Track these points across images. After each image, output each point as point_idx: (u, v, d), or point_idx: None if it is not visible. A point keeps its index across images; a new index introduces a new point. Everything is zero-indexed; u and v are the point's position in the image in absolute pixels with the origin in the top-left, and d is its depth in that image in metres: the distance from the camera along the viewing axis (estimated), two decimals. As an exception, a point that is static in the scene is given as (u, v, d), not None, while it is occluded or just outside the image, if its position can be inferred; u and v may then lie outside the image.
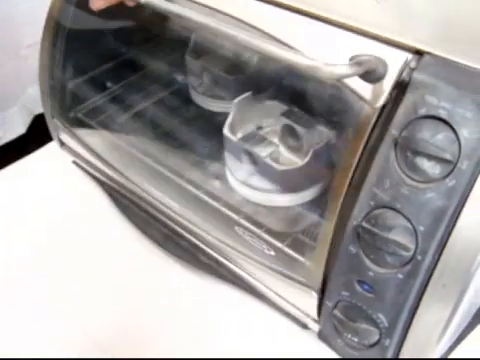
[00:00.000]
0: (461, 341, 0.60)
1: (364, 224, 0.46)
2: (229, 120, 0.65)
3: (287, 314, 0.63)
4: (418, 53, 0.46)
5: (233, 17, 0.55)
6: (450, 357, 0.56)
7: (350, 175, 0.48)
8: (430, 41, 0.46)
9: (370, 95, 0.46)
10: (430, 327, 0.46)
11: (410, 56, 0.45)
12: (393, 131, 0.44)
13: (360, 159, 0.47)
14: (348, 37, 0.49)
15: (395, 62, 0.45)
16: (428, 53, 0.45)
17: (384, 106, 0.46)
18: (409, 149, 0.43)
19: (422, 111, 0.43)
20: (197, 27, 0.69)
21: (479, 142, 0.41)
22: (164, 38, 0.83)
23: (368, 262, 0.47)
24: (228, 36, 0.49)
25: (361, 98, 0.47)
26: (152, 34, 0.85)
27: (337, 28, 0.50)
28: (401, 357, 0.50)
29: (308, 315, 0.59)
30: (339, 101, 0.51)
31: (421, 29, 0.49)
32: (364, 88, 0.46)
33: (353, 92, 0.47)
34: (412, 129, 0.43)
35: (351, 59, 0.45)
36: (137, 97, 0.87)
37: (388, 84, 0.45)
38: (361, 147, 0.47)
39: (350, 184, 0.48)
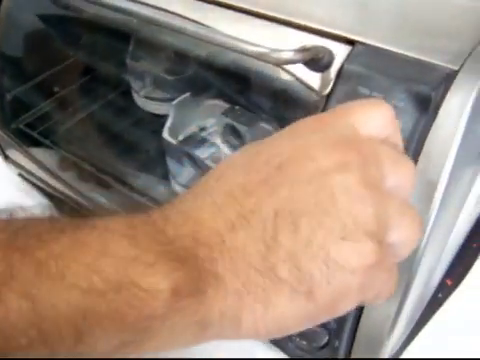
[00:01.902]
0: (417, 333, 0.59)
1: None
2: (168, 123, 0.63)
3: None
4: (350, 43, 0.43)
5: (178, 14, 0.53)
6: (403, 357, 0.55)
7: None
8: (362, 30, 0.44)
9: (317, 84, 0.45)
10: (378, 324, 0.45)
11: (341, 46, 0.43)
12: (327, 125, 0.42)
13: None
14: (283, 30, 0.47)
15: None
16: (359, 42, 0.43)
17: (329, 95, 0.44)
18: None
19: (355, 103, 0.41)
20: (139, 26, 0.66)
21: (413, 133, 0.39)
22: (106, 41, 0.80)
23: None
24: (175, 28, 0.47)
25: (308, 87, 0.45)
26: (94, 39, 0.83)
27: (271, 22, 0.48)
28: (352, 357, 0.48)
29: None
30: (283, 93, 0.49)
31: (352, 18, 0.47)
32: (311, 77, 0.46)
33: (300, 82, 0.46)
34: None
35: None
36: (81, 104, 0.84)
37: (334, 73, 0.44)
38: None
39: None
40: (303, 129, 0.33)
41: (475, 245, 0.67)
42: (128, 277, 0.26)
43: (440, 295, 0.61)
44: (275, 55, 0.42)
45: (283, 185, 0.28)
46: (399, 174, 0.32)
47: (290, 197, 0.28)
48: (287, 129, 0.33)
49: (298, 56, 0.42)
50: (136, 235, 0.27)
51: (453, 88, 0.40)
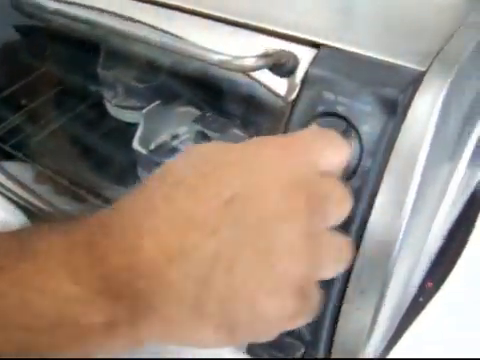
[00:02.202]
0: (398, 340, 0.58)
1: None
2: (139, 132, 0.61)
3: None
4: (316, 46, 0.42)
5: (143, 23, 0.52)
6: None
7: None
8: (327, 33, 0.43)
9: (283, 90, 0.44)
10: (354, 334, 0.44)
11: (308, 50, 0.42)
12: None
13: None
14: (250, 36, 0.46)
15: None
16: (325, 46, 0.42)
17: (295, 100, 0.42)
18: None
19: (320, 108, 0.40)
20: (108, 35, 0.65)
21: (381, 137, 0.38)
22: (76, 51, 0.79)
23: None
24: (139, 38, 0.46)
25: (274, 94, 0.44)
26: (64, 49, 0.81)
27: (238, 28, 0.47)
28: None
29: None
30: (252, 100, 0.48)
31: (319, 21, 0.46)
32: (277, 83, 0.44)
33: (266, 88, 0.45)
34: (311, 128, 0.40)
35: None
36: (54, 116, 0.82)
37: (299, 78, 0.42)
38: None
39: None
40: (264, 158, 0.32)
41: (455, 246, 0.66)
42: (69, 317, 0.27)
43: (421, 299, 0.60)
44: (237, 62, 0.41)
45: (228, 225, 0.29)
46: (341, 213, 0.34)
47: (231, 239, 0.29)
48: (249, 152, 0.33)
49: (261, 62, 0.40)
50: (77, 267, 0.28)
51: (421, 90, 0.38)
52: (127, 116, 0.74)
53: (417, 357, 0.57)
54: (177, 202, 0.29)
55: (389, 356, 0.58)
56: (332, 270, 0.34)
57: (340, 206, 0.34)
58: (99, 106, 0.79)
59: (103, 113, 0.78)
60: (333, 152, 0.34)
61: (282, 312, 0.30)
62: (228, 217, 0.29)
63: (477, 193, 0.72)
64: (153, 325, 0.29)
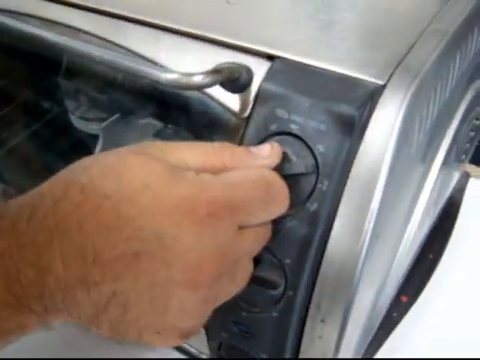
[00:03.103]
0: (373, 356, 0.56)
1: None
2: (99, 147, 0.58)
3: (182, 350, 0.57)
4: (270, 58, 0.40)
5: (94, 35, 0.49)
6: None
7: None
8: (282, 44, 0.40)
9: (237, 105, 0.41)
10: (319, 356, 0.41)
11: (262, 62, 0.39)
12: (245, 152, 0.38)
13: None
14: (202, 48, 0.43)
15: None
16: (279, 58, 0.39)
17: (249, 117, 0.40)
18: (262, 173, 0.37)
19: (273, 127, 0.37)
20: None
21: (337, 157, 0.35)
22: (35, 63, 0.76)
23: (241, 302, 0.41)
24: (82, 54, 0.43)
25: (228, 110, 0.42)
26: (20, 60, 0.78)
27: (190, 39, 0.45)
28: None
29: (202, 352, 0.53)
30: (208, 116, 0.45)
31: (274, 31, 0.43)
32: (231, 99, 0.42)
33: (220, 104, 0.41)
34: (264, 149, 0.37)
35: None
36: (13, 130, 0.79)
37: (253, 93, 0.40)
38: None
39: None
40: (186, 223, 0.30)
41: (431, 256, 0.64)
42: None
43: (395, 314, 0.57)
44: (185, 80, 0.38)
45: (129, 277, 0.29)
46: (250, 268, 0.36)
47: (131, 289, 0.30)
48: (172, 205, 0.31)
49: (210, 79, 0.38)
50: None
51: (379, 106, 0.36)
52: (91, 128, 0.71)
53: (408, 357, 0.55)
54: (89, 234, 0.29)
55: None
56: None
57: (248, 266, 0.36)
58: (63, 118, 0.76)
59: (68, 126, 0.76)
60: (268, 213, 0.35)
61: (166, 344, 0.34)
62: (132, 271, 0.29)
63: (454, 197, 0.70)
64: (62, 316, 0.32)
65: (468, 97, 0.53)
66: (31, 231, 0.30)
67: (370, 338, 0.55)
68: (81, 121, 0.71)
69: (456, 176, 0.70)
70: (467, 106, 0.52)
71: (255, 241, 0.35)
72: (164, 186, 0.31)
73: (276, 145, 0.36)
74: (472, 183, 0.79)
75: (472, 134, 0.59)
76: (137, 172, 0.31)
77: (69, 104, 0.72)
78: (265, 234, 0.36)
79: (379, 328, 0.57)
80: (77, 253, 0.29)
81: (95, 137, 0.70)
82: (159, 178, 0.31)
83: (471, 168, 0.80)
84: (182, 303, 0.30)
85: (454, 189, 0.71)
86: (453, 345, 0.58)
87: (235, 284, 0.35)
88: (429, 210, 0.52)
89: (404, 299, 0.60)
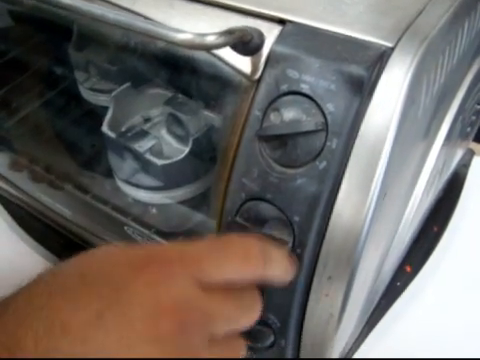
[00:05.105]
0: (375, 325, 0.56)
1: (238, 219, 0.41)
2: (109, 116, 0.59)
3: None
4: (281, 22, 0.40)
5: (106, 1, 0.49)
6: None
7: (229, 164, 0.43)
8: (293, 9, 0.41)
9: (248, 68, 0.42)
10: (323, 323, 0.42)
11: (274, 27, 0.40)
12: (256, 112, 0.39)
13: (239, 144, 0.41)
14: (215, 13, 0.44)
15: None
16: (290, 22, 0.40)
17: (260, 79, 0.41)
18: (273, 132, 0.38)
19: (284, 87, 0.38)
20: (74, 14, 0.63)
21: (346, 116, 0.36)
22: (45, 33, 0.76)
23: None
24: (96, 16, 0.43)
25: (239, 72, 0.42)
26: (32, 31, 0.78)
27: (202, 5, 0.45)
28: (301, 357, 0.45)
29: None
30: (218, 80, 0.46)
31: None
32: (242, 62, 0.42)
33: (230, 67, 0.43)
34: (275, 108, 0.38)
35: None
36: (24, 100, 0.80)
37: (265, 56, 0.40)
38: (240, 128, 0.41)
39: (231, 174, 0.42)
40: (145, 276, 0.32)
41: (436, 228, 0.64)
42: None
43: (398, 283, 0.58)
44: (198, 40, 0.38)
45: (95, 338, 0.30)
46: (235, 327, 0.34)
47: (99, 351, 0.30)
48: (134, 266, 0.33)
49: (222, 40, 0.38)
50: None
51: (388, 67, 0.37)
52: (100, 99, 0.72)
53: (403, 357, 0.56)
54: (57, 307, 0.30)
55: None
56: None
57: (232, 321, 0.34)
58: (73, 90, 0.77)
59: (77, 97, 0.76)
60: (230, 268, 0.34)
61: None
62: (98, 330, 0.30)
63: (458, 172, 0.71)
64: None
65: (475, 69, 0.53)
66: (9, 312, 0.31)
67: (373, 306, 0.55)
68: (90, 92, 0.72)
69: (460, 152, 0.71)
70: (474, 77, 0.52)
71: (224, 303, 0.34)
72: (124, 252, 0.34)
73: None
74: (476, 161, 0.79)
75: (478, 107, 0.60)
76: (101, 249, 0.34)
77: (79, 75, 0.72)
78: (240, 301, 0.35)
79: (382, 297, 0.57)
80: (46, 329, 0.30)
81: (105, 108, 0.70)
82: (121, 250, 0.34)
83: (476, 146, 0.81)
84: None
85: (458, 164, 0.72)
86: (455, 319, 0.59)
87: (217, 354, 0.34)
88: (434, 179, 0.53)
89: (408, 269, 0.61)
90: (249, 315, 0.35)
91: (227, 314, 0.34)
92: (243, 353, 0.36)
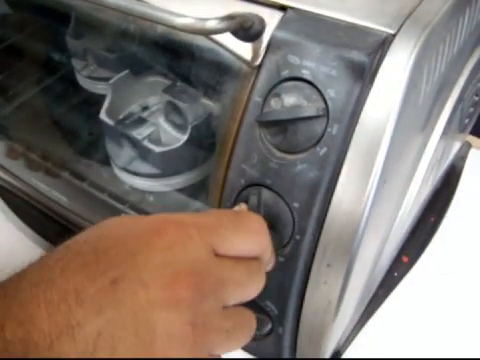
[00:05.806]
0: (371, 315, 0.56)
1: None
2: (107, 103, 0.59)
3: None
4: (282, 9, 0.40)
5: None
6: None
7: (229, 150, 0.42)
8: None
9: (248, 54, 0.42)
10: (321, 311, 0.42)
11: (274, 13, 0.40)
12: (257, 98, 0.39)
13: (239, 130, 0.41)
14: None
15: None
16: (291, 8, 0.39)
17: (261, 65, 0.40)
18: (274, 117, 0.38)
19: (285, 73, 0.38)
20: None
21: (347, 102, 0.36)
22: (43, 20, 0.76)
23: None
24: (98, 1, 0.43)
25: (240, 58, 0.42)
26: (30, 18, 0.78)
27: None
28: (299, 345, 0.45)
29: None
30: (218, 66, 0.46)
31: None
32: (243, 48, 0.42)
33: (231, 53, 0.43)
34: (276, 94, 0.38)
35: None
36: (21, 87, 0.79)
37: (265, 42, 0.40)
38: (240, 115, 0.41)
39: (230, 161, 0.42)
40: (159, 241, 0.32)
41: (433, 219, 0.65)
42: None
43: (396, 274, 0.59)
44: (199, 25, 0.38)
45: (110, 306, 0.29)
46: (243, 295, 0.34)
47: (114, 321, 0.29)
48: (148, 233, 0.32)
49: (223, 25, 0.38)
50: None
51: (389, 54, 0.36)
52: (98, 87, 0.72)
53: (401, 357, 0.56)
54: (71, 276, 0.30)
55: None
56: (226, 348, 0.33)
57: (241, 288, 0.34)
58: (70, 77, 0.76)
59: (74, 85, 0.76)
60: (236, 235, 0.34)
61: None
62: (111, 298, 0.29)
63: (456, 164, 0.71)
64: None
65: (474, 58, 0.53)
66: (17, 290, 0.30)
67: (371, 295, 0.56)
68: (88, 80, 0.71)
69: (458, 144, 0.71)
70: (473, 67, 0.52)
71: (235, 269, 0.34)
72: (137, 220, 0.34)
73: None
74: (473, 154, 0.79)
75: (476, 98, 0.60)
76: (113, 219, 0.34)
77: (76, 63, 0.72)
78: (248, 269, 0.35)
79: (379, 287, 0.58)
80: (60, 299, 0.29)
81: (102, 96, 0.70)
82: (134, 218, 0.34)
83: (473, 139, 0.81)
84: (168, 327, 0.30)
85: (456, 156, 0.72)
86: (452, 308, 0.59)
87: (227, 319, 0.33)
88: (433, 168, 0.53)
89: (405, 259, 0.61)
90: (256, 283, 0.35)
91: (237, 280, 0.33)
92: (255, 325, 0.36)
